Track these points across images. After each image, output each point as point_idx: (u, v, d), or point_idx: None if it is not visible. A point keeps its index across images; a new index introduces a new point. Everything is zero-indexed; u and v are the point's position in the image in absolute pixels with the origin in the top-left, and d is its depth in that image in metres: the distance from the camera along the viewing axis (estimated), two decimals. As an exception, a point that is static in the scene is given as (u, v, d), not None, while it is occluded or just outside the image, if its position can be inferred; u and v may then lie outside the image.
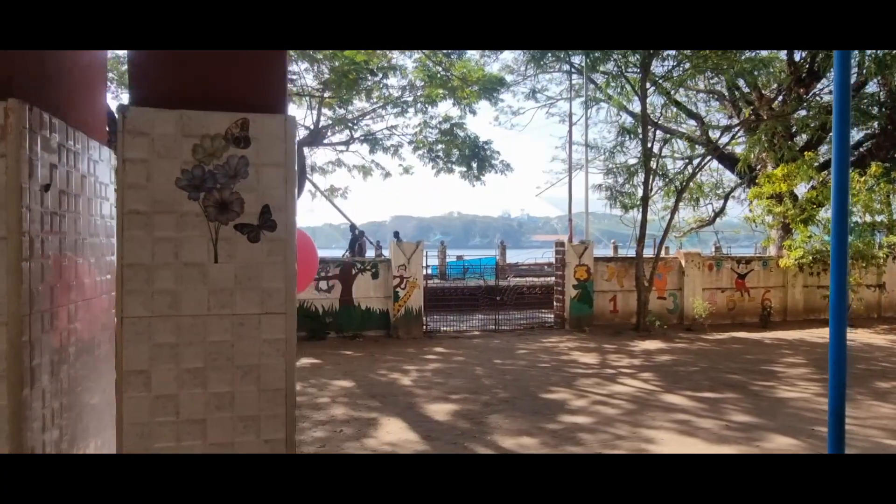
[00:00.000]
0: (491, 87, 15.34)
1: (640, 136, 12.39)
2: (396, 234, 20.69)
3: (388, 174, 18.79)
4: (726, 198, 20.13)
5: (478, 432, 5.99)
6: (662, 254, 13.54)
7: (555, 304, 13.12)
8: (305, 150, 17.35)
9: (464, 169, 16.14)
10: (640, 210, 12.64)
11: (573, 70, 14.57)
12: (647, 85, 13.50)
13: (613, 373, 8.74)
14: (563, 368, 9.06)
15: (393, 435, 5.89)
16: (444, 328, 12.68)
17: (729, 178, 20.01)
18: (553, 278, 13.68)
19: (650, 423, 6.29)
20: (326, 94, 15.19)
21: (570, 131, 15.97)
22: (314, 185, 19.11)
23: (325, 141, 16.07)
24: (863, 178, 13.19)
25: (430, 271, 17.92)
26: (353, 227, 18.21)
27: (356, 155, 17.66)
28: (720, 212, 20.36)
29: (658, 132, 16.38)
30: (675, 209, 13.05)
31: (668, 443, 5.68)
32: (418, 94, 14.50)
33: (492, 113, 20.49)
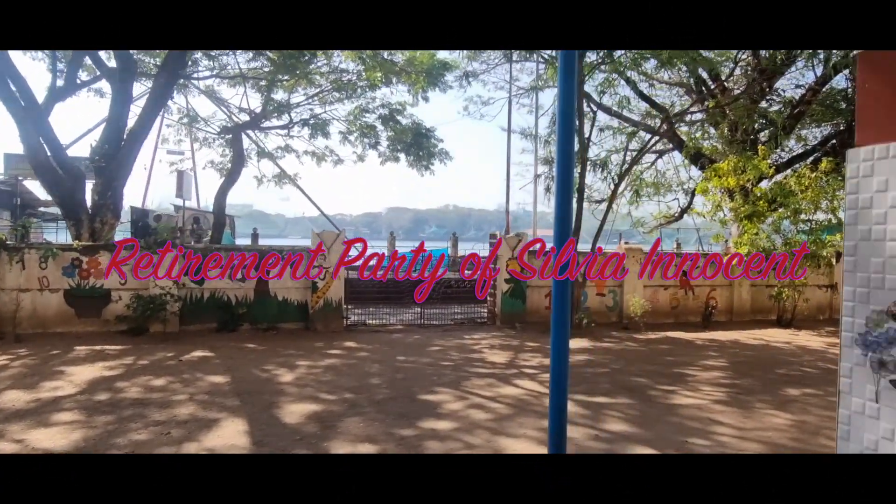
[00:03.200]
0: (437, 73, 14.74)
1: (577, 125, 11.80)
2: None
3: (340, 161, 18.25)
4: (692, 193, 19.60)
5: (318, 438, 5.48)
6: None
7: (487, 299, 12.59)
8: (250, 134, 16.79)
9: (410, 157, 15.56)
10: (578, 202, 12.07)
11: (515, 58, 13.96)
12: (599, 73, 12.95)
13: (515, 373, 8.23)
14: (465, 367, 8.54)
15: (221, 440, 5.37)
16: (370, 321, 12.16)
17: (696, 174, 19.46)
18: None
19: (514, 430, 5.77)
20: (274, 79, 14.58)
21: (509, 122, 15.38)
22: (281, 168, 18.47)
23: (264, 125, 15.44)
24: (813, 175, 12.61)
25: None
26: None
27: (303, 140, 17.08)
28: (687, 207, 19.88)
29: (604, 120, 15.85)
30: (611, 201, 12.47)
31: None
32: (355, 78, 13.88)
33: (461, 102, 20.01)
